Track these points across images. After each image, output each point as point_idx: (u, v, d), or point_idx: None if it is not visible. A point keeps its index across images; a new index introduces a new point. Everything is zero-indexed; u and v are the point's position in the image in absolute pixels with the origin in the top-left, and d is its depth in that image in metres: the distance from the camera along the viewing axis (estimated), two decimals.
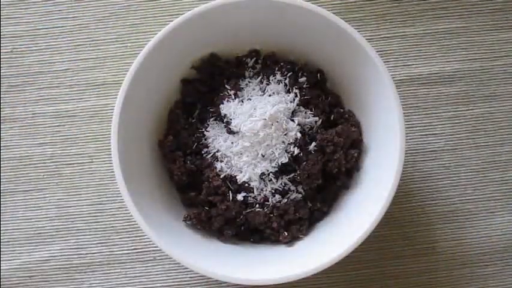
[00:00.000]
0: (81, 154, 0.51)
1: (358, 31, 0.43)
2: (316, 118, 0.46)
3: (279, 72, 0.47)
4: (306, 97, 0.46)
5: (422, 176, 0.51)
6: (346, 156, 0.45)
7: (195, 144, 0.46)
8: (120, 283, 0.50)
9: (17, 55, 0.52)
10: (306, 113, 0.46)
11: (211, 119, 0.46)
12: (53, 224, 0.51)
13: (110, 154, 0.42)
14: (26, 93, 0.52)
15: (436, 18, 0.53)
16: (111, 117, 0.42)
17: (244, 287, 0.46)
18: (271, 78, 0.46)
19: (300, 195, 0.45)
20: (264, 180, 0.45)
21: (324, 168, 0.45)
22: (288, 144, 0.45)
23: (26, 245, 0.51)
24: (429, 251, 0.51)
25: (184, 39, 0.44)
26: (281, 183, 0.45)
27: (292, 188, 0.45)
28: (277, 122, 0.44)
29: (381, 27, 0.53)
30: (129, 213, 0.42)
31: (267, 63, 0.48)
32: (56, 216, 0.51)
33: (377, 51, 0.43)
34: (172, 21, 0.43)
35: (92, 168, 0.51)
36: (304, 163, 0.45)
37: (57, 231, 0.51)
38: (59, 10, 0.53)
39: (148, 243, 0.51)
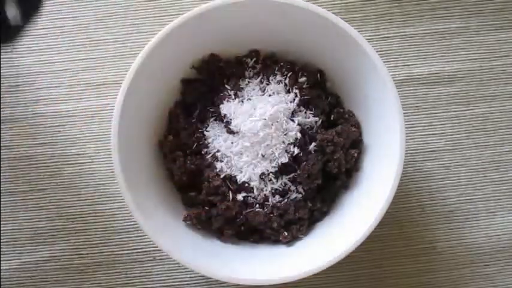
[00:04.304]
0: (81, 154, 0.51)
1: (358, 31, 0.43)
2: (316, 118, 0.46)
3: (279, 72, 0.47)
4: (306, 97, 0.46)
5: (422, 176, 0.51)
6: (346, 156, 0.45)
7: (195, 144, 0.46)
8: (120, 283, 0.50)
9: (17, 55, 0.52)
10: (306, 113, 0.46)
11: (211, 119, 0.46)
12: (53, 224, 0.51)
13: (110, 154, 0.42)
14: (26, 93, 0.52)
15: (436, 18, 0.53)
16: (111, 117, 0.42)
17: (244, 287, 0.46)
18: (271, 78, 0.46)
19: (300, 195, 0.45)
20: (264, 180, 0.45)
21: (324, 168, 0.45)
22: (288, 144, 0.45)
23: (26, 245, 0.51)
24: (429, 251, 0.51)
25: (184, 39, 0.44)
26: (281, 183, 0.45)
27: (292, 188, 0.45)
28: (277, 122, 0.44)
29: (381, 27, 0.53)
30: (129, 213, 0.42)
31: (267, 63, 0.48)
32: (56, 216, 0.51)
33: (377, 51, 0.43)
34: (172, 21, 0.43)
35: (92, 168, 0.51)
36: (304, 163, 0.45)
37: (57, 232, 0.51)
38: (59, 10, 0.53)
39: (148, 243, 0.51)
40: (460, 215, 0.51)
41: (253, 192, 0.45)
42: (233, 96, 0.46)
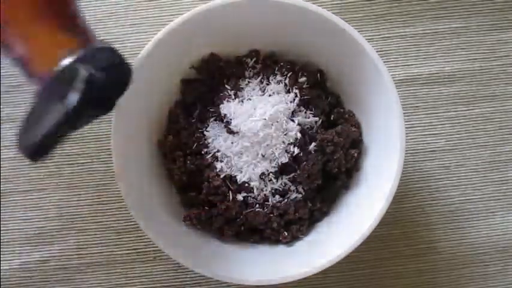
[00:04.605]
0: (81, 154, 0.51)
1: (358, 31, 0.43)
2: (316, 118, 0.46)
3: (279, 72, 0.47)
4: (306, 97, 0.46)
5: (422, 176, 0.51)
6: (346, 156, 0.45)
7: (195, 144, 0.46)
8: (120, 283, 0.50)
9: None
10: (306, 113, 0.46)
11: (211, 119, 0.46)
12: (53, 224, 0.51)
13: (110, 154, 0.42)
14: (26, 93, 0.52)
15: (436, 18, 0.53)
16: (111, 117, 0.42)
17: (244, 287, 0.46)
18: (271, 78, 0.46)
19: (300, 195, 0.45)
20: (264, 180, 0.45)
21: (324, 168, 0.45)
22: (288, 144, 0.45)
23: (26, 245, 0.51)
24: (429, 251, 0.51)
25: (184, 39, 0.44)
26: (281, 183, 0.45)
27: (292, 188, 0.45)
28: (277, 122, 0.44)
29: (381, 27, 0.53)
30: (129, 213, 0.42)
31: (267, 63, 0.48)
32: (56, 216, 0.51)
33: (377, 51, 0.43)
34: (172, 21, 0.43)
35: (92, 168, 0.51)
36: (304, 163, 0.45)
37: (57, 231, 0.51)
38: None
39: (148, 243, 0.51)
40: (460, 215, 0.51)
41: (253, 192, 0.45)
42: (233, 96, 0.46)
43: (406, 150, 0.44)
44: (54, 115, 0.31)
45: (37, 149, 0.32)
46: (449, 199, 0.51)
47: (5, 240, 0.51)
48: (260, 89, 0.46)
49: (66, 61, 0.31)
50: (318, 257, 0.42)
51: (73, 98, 0.30)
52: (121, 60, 0.33)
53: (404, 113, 0.43)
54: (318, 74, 0.48)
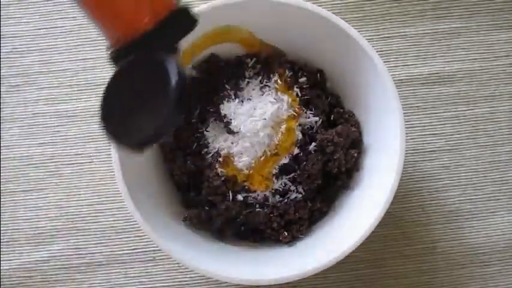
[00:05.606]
0: (81, 154, 0.51)
1: (358, 31, 0.43)
2: (316, 118, 0.46)
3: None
4: (306, 97, 0.46)
5: (422, 176, 0.51)
6: (346, 156, 0.45)
7: (195, 144, 0.46)
8: (120, 283, 0.50)
9: (17, 55, 0.52)
10: (306, 113, 0.46)
11: (211, 119, 0.46)
12: (53, 224, 0.51)
13: (110, 154, 0.42)
14: (26, 93, 0.52)
15: (436, 18, 0.53)
16: None
17: (244, 287, 0.46)
18: (271, 78, 0.46)
19: (300, 195, 0.45)
20: None
21: (324, 168, 0.45)
22: None
23: (26, 245, 0.51)
24: (429, 251, 0.51)
25: (184, 39, 0.44)
26: (281, 183, 0.45)
27: (292, 188, 0.45)
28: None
29: (381, 27, 0.53)
30: (129, 213, 0.42)
31: (267, 63, 0.48)
32: (56, 216, 0.51)
33: (377, 51, 0.43)
34: None
35: (92, 168, 0.51)
36: (304, 163, 0.45)
37: (57, 231, 0.51)
38: (59, 10, 0.53)
39: (148, 243, 0.51)
40: (460, 215, 0.51)
41: (253, 192, 0.45)
42: (233, 96, 0.46)
43: (406, 150, 0.44)
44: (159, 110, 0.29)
45: (150, 141, 0.30)
46: (449, 199, 0.51)
47: (5, 240, 0.51)
48: (260, 89, 0.46)
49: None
50: (318, 257, 0.42)
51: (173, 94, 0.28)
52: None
53: (404, 113, 0.42)
54: (318, 74, 0.48)
